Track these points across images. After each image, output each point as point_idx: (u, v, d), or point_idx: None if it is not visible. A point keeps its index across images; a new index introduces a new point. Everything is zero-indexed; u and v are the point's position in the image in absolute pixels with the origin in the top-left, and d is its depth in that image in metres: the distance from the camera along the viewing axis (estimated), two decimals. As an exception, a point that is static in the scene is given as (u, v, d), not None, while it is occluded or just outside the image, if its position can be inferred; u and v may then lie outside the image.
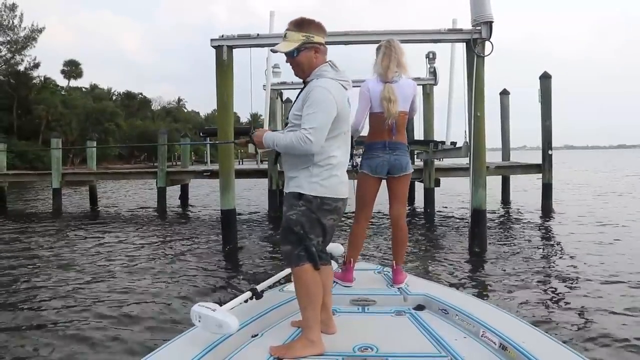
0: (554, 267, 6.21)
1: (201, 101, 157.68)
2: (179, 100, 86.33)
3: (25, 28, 45.63)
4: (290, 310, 2.66)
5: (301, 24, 2.33)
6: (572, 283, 5.38)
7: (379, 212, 9.63)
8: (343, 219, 2.54)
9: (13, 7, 44.79)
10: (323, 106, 2.17)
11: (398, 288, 2.98)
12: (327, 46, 2.38)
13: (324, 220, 2.28)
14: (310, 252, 2.24)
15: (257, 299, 2.49)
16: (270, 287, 2.77)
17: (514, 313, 3.32)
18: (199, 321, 2.13)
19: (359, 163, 3.24)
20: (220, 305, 2.22)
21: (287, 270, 2.97)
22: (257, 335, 2.35)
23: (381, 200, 3.44)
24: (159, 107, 78.42)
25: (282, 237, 2.32)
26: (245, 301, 2.45)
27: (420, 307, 2.74)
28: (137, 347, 3.74)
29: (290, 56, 2.33)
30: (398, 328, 2.37)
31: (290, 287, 2.92)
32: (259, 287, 2.56)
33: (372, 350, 2.19)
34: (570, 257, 6.75)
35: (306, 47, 2.30)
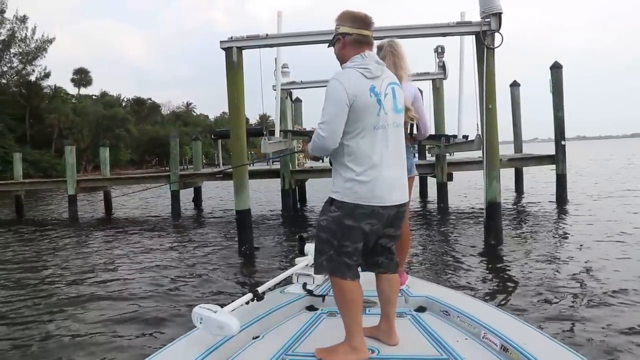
0: (567, 263, 6.03)
1: (209, 104, 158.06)
2: (188, 104, 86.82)
3: (37, 40, 46.28)
4: (291, 311, 2.66)
5: (337, 16, 2.27)
6: (581, 283, 5.13)
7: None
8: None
9: (24, 19, 45.41)
10: (330, 98, 2.08)
11: (399, 290, 2.97)
12: (365, 36, 2.22)
13: (362, 225, 2.10)
14: (334, 262, 2.13)
15: (258, 300, 2.47)
16: (271, 288, 2.75)
17: (518, 314, 3.28)
18: (200, 323, 2.12)
19: None
20: (222, 307, 2.21)
21: (288, 272, 2.97)
22: (258, 337, 2.34)
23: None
24: (168, 112, 78.93)
25: (314, 243, 2.26)
26: (247, 303, 2.44)
27: (421, 309, 2.73)
28: (140, 348, 3.80)
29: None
30: (399, 330, 2.33)
31: (291, 288, 2.92)
32: (260, 289, 2.54)
33: (373, 352, 2.18)
34: (586, 251, 6.57)
35: (336, 39, 2.26)
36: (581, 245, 7.02)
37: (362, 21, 2.22)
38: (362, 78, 2.11)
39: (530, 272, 5.63)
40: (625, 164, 27.27)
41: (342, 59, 2.24)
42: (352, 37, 2.20)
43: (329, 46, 2.35)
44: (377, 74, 2.15)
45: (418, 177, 14.25)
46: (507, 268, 5.89)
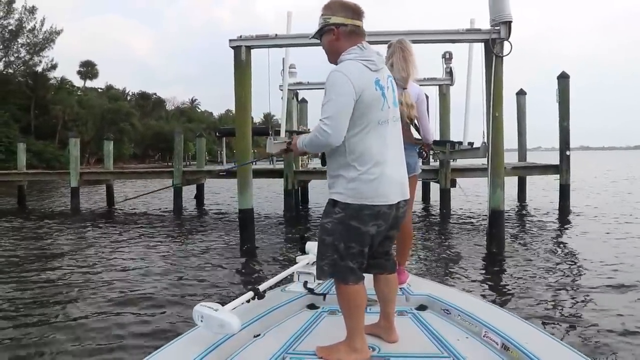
0: (568, 269, 6.12)
1: (213, 102, 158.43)
2: (193, 100, 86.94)
3: (45, 32, 46.41)
4: (292, 310, 2.66)
5: (325, 5, 2.11)
6: (582, 285, 5.28)
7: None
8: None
9: (33, 10, 45.53)
10: (335, 91, 1.93)
11: (400, 288, 2.93)
12: (359, 27, 2.09)
13: (369, 227, 2.03)
14: (336, 267, 2.06)
15: (259, 299, 2.45)
16: (272, 287, 2.75)
17: (520, 314, 3.29)
18: (201, 321, 2.11)
19: None
20: (223, 305, 2.21)
21: (289, 270, 2.96)
22: (259, 335, 2.34)
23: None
24: (172, 108, 79.05)
25: (317, 246, 2.18)
26: (248, 301, 2.42)
27: (422, 307, 2.73)
28: (140, 346, 3.79)
29: (320, 42, 2.16)
30: (400, 328, 2.34)
31: (292, 287, 2.91)
32: (261, 287, 2.54)
33: (374, 350, 2.18)
34: (586, 259, 6.61)
35: (326, 30, 2.09)
36: (582, 252, 7.12)
37: (354, 11, 2.09)
38: (366, 71, 2.00)
39: (532, 276, 5.70)
40: (628, 176, 27.22)
41: (335, 52, 2.10)
42: (348, 28, 2.06)
43: (312, 37, 2.19)
44: (380, 67, 2.07)
45: (421, 182, 14.24)
46: (508, 273, 5.92)
